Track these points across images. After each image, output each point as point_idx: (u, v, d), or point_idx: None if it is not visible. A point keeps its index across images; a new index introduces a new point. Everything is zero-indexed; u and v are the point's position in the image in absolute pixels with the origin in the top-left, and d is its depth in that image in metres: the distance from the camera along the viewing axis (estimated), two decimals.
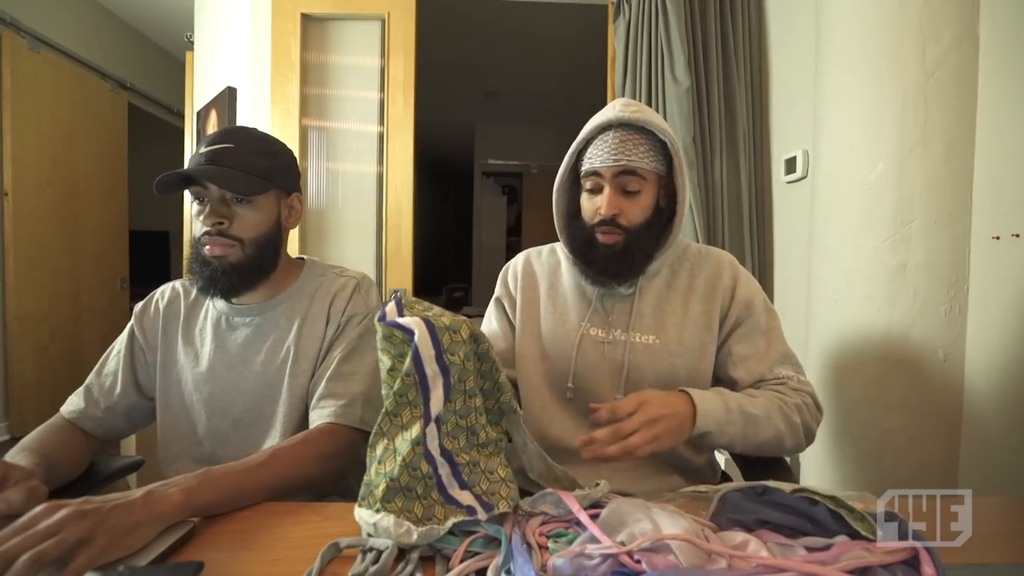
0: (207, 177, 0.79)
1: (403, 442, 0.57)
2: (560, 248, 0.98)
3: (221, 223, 0.81)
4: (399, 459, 0.56)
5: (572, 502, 0.56)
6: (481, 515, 0.55)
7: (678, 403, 0.70)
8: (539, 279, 0.96)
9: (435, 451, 0.58)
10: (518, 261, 1.00)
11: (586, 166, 0.84)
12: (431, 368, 0.58)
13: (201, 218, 0.81)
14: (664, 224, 0.86)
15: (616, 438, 0.64)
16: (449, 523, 0.54)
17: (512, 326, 0.95)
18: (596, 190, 0.84)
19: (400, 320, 0.59)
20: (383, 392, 0.60)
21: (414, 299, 0.69)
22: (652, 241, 0.84)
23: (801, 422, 0.77)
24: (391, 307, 0.63)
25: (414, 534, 0.52)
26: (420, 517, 0.55)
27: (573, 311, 0.90)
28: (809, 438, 0.80)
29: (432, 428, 0.57)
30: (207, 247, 0.81)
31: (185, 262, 0.86)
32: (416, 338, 0.57)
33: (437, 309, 0.66)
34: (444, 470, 0.58)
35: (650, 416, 0.66)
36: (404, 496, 0.55)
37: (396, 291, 0.69)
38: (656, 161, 0.82)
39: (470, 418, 0.60)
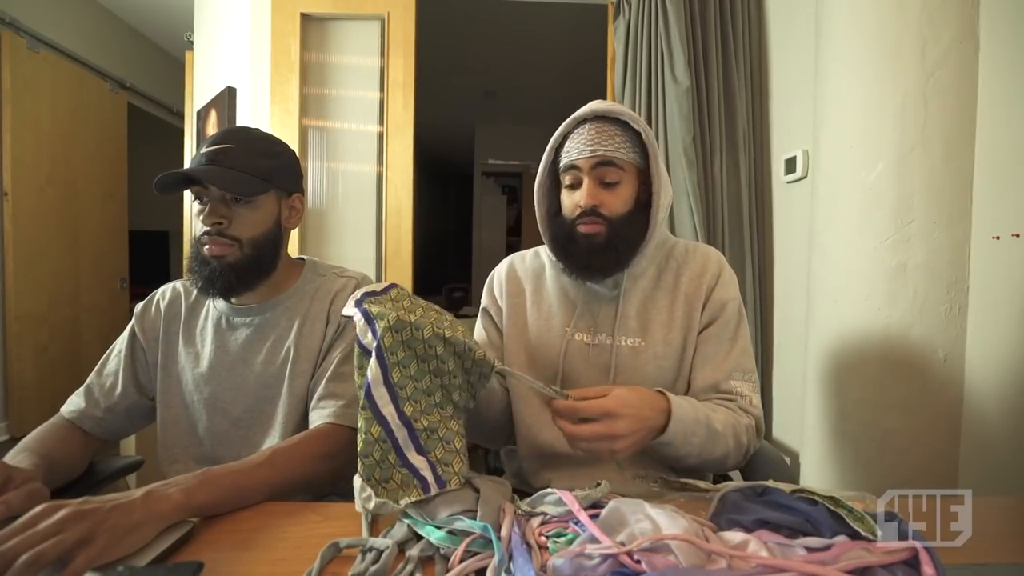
0: (207, 177, 0.79)
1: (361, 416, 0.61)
2: (544, 251, 0.97)
3: (221, 223, 0.81)
4: (360, 432, 0.60)
5: (572, 502, 0.56)
6: (433, 488, 0.57)
7: (650, 412, 0.67)
8: (524, 284, 0.94)
9: (389, 416, 0.60)
10: (502, 268, 0.99)
11: (564, 161, 0.84)
12: (366, 339, 0.62)
13: (201, 218, 0.82)
14: (646, 218, 0.84)
15: (574, 426, 0.64)
16: (404, 502, 0.57)
17: (500, 333, 0.93)
18: (576, 184, 0.83)
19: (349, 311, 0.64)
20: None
21: (405, 293, 0.70)
22: (636, 234, 0.83)
23: (747, 444, 0.77)
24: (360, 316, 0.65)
25: (372, 501, 0.56)
26: (379, 480, 0.59)
27: (558, 315, 0.89)
28: (746, 460, 0.81)
29: (383, 392, 0.60)
30: (206, 247, 0.81)
31: (185, 261, 0.87)
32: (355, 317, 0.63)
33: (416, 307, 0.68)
34: (401, 434, 0.60)
35: (612, 431, 0.63)
36: (364, 463, 0.59)
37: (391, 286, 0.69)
38: (633, 152, 0.82)
39: (424, 381, 0.62)
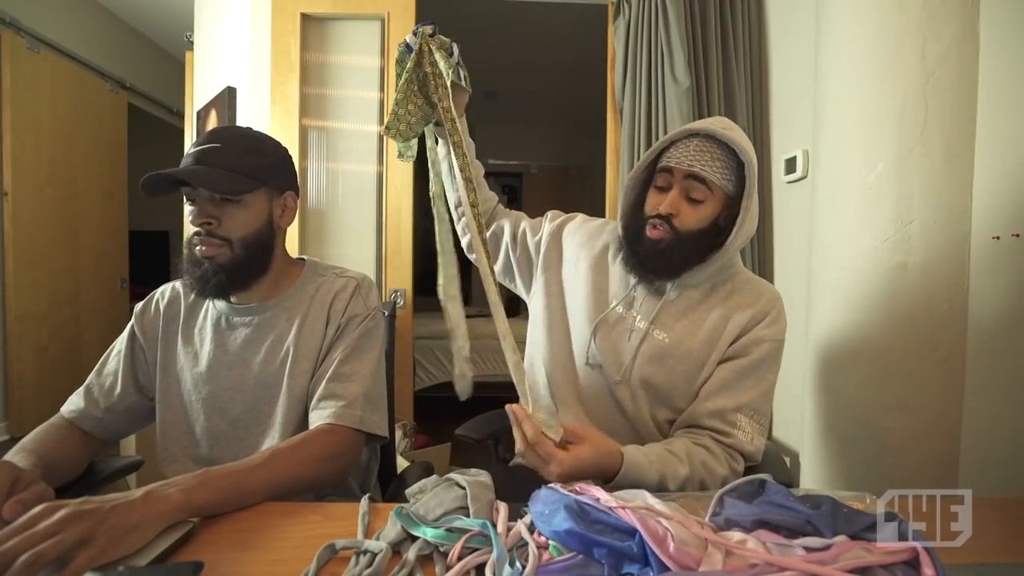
0: (193, 178, 0.78)
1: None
2: None
3: (210, 223, 0.81)
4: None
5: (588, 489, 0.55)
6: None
7: (608, 462, 0.71)
8: (605, 241, 0.99)
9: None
10: (600, 219, 1.05)
11: (663, 162, 0.87)
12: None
13: (191, 218, 0.81)
14: (717, 242, 0.86)
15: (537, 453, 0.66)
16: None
17: (528, 251, 1.03)
18: (665, 188, 0.87)
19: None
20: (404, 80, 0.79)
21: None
22: (696, 252, 0.86)
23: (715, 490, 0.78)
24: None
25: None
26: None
27: (614, 283, 0.95)
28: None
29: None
30: (198, 247, 0.81)
31: (182, 263, 0.86)
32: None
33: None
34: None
35: (577, 467, 0.66)
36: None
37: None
38: (727, 180, 0.84)
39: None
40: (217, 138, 0.82)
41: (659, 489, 0.73)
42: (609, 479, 0.71)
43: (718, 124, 0.84)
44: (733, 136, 0.82)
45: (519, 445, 0.66)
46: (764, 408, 0.85)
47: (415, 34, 0.78)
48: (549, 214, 1.07)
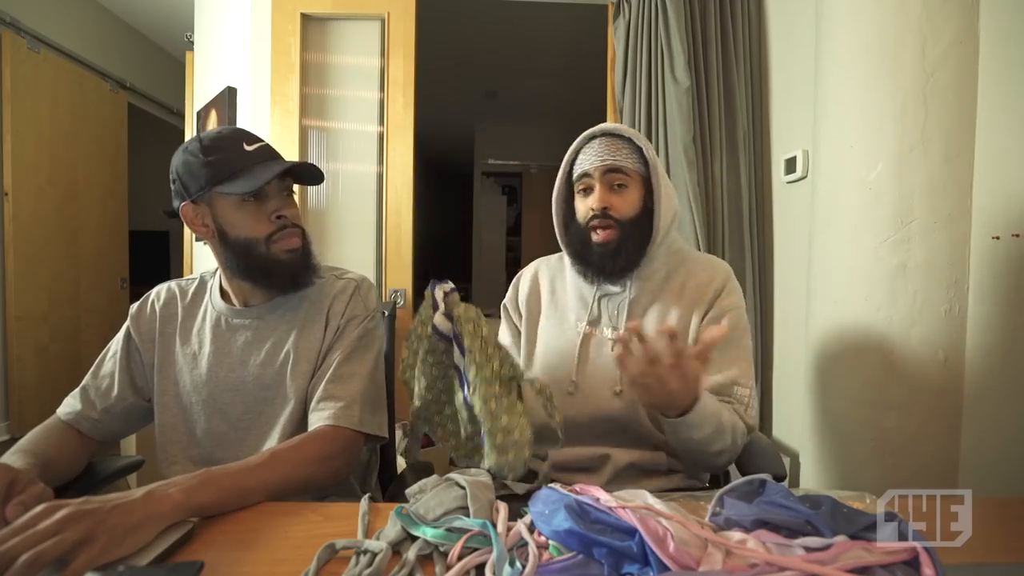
0: (309, 171, 0.84)
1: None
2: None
3: (286, 215, 0.84)
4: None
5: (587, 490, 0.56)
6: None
7: (688, 395, 0.73)
8: (542, 283, 1.04)
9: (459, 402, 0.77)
10: (529, 270, 1.08)
11: (577, 171, 0.93)
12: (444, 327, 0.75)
13: (273, 216, 0.82)
14: (652, 223, 0.91)
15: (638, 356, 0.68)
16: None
17: (517, 331, 1.04)
18: (588, 190, 0.93)
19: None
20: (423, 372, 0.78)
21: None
22: (643, 236, 0.91)
23: (739, 447, 0.84)
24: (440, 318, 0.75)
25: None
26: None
27: (572, 311, 0.98)
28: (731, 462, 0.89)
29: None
30: (284, 241, 0.83)
31: (233, 272, 0.85)
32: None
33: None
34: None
35: (661, 383, 0.69)
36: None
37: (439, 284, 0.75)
38: (638, 163, 0.91)
39: (484, 371, 0.71)
40: (254, 136, 0.84)
41: (717, 430, 0.78)
42: (671, 405, 0.74)
43: (608, 126, 0.93)
44: (626, 129, 0.92)
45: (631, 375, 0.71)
46: (750, 372, 0.91)
47: (448, 318, 0.75)
48: (513, 282, 1.10)
